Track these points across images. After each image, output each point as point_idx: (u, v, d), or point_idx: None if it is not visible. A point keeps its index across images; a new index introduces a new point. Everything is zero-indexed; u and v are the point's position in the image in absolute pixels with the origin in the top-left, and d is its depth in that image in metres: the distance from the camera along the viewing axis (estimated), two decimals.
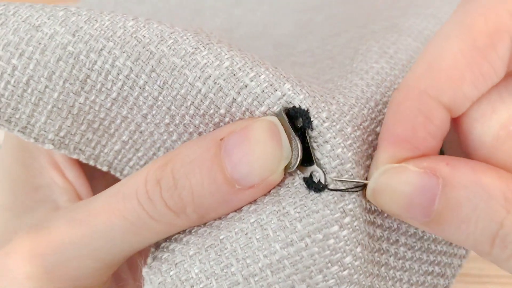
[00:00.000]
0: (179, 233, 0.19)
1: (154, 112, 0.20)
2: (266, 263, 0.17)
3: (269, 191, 0.18)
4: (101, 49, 0.18)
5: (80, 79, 0.19)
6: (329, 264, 0.17)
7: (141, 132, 0.20)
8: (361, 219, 0.18)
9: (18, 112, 0.20)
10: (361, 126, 0.19)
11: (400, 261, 0.20)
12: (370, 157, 0.19)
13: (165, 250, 0.19)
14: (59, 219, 0.19)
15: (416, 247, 0.21)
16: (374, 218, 0.19)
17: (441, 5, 0.27)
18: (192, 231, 0.19)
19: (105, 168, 0.22)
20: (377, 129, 0.20)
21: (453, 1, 0.29)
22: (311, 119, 0.18)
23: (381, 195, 0.17)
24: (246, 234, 0.17)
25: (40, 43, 0.19)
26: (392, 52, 0.23)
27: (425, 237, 0.21)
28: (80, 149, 0.21)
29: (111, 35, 0.18)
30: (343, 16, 0.31)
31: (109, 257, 0.19)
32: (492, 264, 0.33)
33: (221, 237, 0.18)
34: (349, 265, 0.17)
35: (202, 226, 0.19)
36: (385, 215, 0.20)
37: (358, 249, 0.18)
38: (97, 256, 0.18)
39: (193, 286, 0.18)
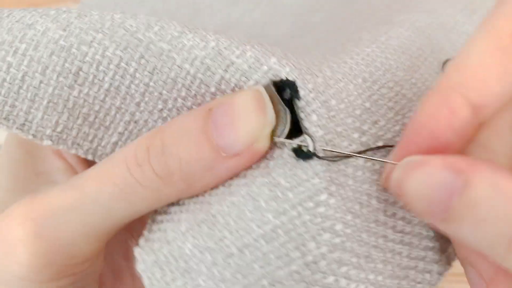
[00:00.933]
0: (170, 212, 0.20)
1: (146, 99, 0.20)
2: (260, 233, 0.17)
3: (259, 165, 0.19)
4: (91, 41, 0.19)
5: (73, 72, 0.19)
6: (321, 231, 0.17)
7: (135, 122, 0.21)
8: (347, 188, 0.18)
9: (15, 109, 0.20)
10: (346, 100, 0.19)
11: (399, 234, 0.20)
12: (359, 130, 0.20)
13: (156, 231, 0.19)
14: (53, 187, 0.20)
15: (415, 222, 0.21)
16: (368, 189, 0.19)
17: (435, 7, 0.28)
18: (183, 209, 0.19)
19: None
20: (366, 104, 0.20)
21: (447, 3, 0.29)
22: (298, 90, 0.18)
23: (403, 186, 0.17)
24: (239, 206, 0.18)
25: (33, 40, 0.19)
26: (383, 39, 0.23)
27: None
28: (78, 144, 0.21)
29: (100, 27, 0.19)
30: (339, 18, 0.31)
31: (98, 224, 0.19)
32: None
33: (212, 212, 0.18)
34: (341, 232, 0.18)
35: (192, 203, 0.19)
36: (381, 188, 0.20)
37: (349, 217, 0.18)
38: (87, 221, 0.19)
39: (187, 261, 0.18)
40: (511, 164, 0.18)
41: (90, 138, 0.21)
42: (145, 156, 0.18)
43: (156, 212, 0.21)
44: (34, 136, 0.21)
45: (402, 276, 0.20)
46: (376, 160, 0.20)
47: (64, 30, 0.19)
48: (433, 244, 0.21)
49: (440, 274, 0.21)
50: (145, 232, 0.20)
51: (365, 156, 0.19)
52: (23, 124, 0.20)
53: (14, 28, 0.19)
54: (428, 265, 0.21)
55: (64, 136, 0.21)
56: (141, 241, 0.19)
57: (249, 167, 0.19)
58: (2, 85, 0.19)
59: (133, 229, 0.27)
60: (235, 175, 0.19)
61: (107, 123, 0.21)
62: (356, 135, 0.20)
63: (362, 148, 0.20)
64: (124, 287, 0.26)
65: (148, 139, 0.19)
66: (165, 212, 0.20)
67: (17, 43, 0.19)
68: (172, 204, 0.20)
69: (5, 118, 0.20)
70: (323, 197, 0.17)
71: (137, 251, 0.19)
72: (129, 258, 0.26)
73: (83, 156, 0.22)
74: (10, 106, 0.20)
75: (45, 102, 0.20)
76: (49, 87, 0.20)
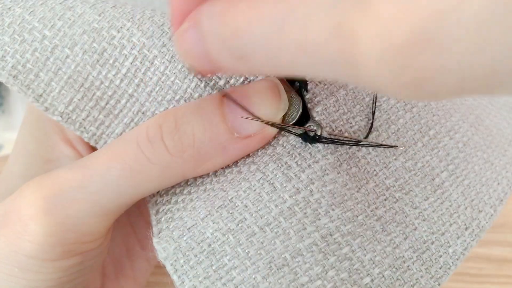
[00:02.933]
0: (178, 202, 0.20)
1: (158, 88, 0.21)
2: (278, 211, 0.19)
3: (266, 152, 0.20)
4: (121, 27, 0.21)
5: (98, 51, 0.21)
6: (333, 207, 0.19)
7: (143, 113, 0.22)
8: (356, 169, 0.20)
9: (38, 79, 0.21)
10: (349, 87, 0.21)
11: (417, 210, 0.21)
12: (368, 116, 0.21)
13: (170, 220, 0.20)
14: (63, 167, 0.20)
15: (432, 198, 0.22)
16: (382, 170, 0.21)
17: None
18: (193, 197, 0.20)
19: None
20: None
21: None
22: (307, 82, 0.20)
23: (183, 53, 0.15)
24: (255, 190, 0.19)
25: (70, 19, 0.21)
26: None
27: (438, 191, 0.22)
28: (84, 127, 0.22)
29: (131, 17, 0.21)
30: None
31: (106, 203, 0.19)
32: (491, 264, 0.34)
33: (229, 198, 0.19)
34: (352, 207, 0.19)
35: (201, 191, 0.20)
36: (390, 166, 0.21)
37: (360, 194, 0.20)
38: (95, 200, 0.19)
39: (211, 244, 0.19)
40: None
41: (97, 124, 0.22)
42: (157, 134, 0.19)
43: (156, 204, 0.21)
44: (47, 108, 0.22)
45: (423, 249, 0.21)
46: (374, 146, 0.21)
47: (99, 15, 0.21)
48: (454, 219, 0.22)
49: (465, 249, 0.22)
50: (154, 224, 0.20)
51: (365, 144, 0.21)
52: (41, 95, 0.21)
53: (56, 8, 0.22)
54: (450, 240, 0.21)
55: (74, 116, 0.22)
56: (155, 230, 0.20)
57: (256, 154, 0.20)
58: (33, 53, 0.21)
59: (135, 224, 0.28)
60: (242, 160, 0.20)
61: (116, 111, 0.22)
62: (364, 122, 0.21)
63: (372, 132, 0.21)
64: (125, 279, 0.26)
65: (160, 118, 0.19)
66: (172, 202, 0.21)
67: (56, 19, 0.21)
68: (179, 194, 0.21)
69: (26, 86, 0.21)
70: (332, 175, 0.19)
71: (155, 242, 0.19)
72: (130, 252, 0.26)
73: (86, 140, 0.22)
74: (34, 75, 0.21)
75: (65, 77, 0.21)
76: (73, 63, 0.21)
